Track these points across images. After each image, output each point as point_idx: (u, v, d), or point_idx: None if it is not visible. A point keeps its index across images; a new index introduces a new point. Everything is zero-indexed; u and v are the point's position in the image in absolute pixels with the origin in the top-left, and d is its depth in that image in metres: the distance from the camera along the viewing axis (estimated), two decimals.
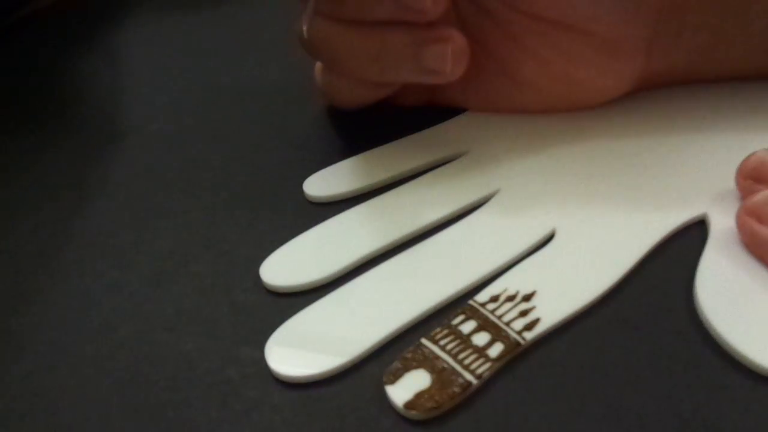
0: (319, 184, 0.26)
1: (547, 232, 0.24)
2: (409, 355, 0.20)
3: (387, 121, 0.29)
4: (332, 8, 0.25)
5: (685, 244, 0.23)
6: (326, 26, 0.26)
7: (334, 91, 0.29)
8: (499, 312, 0.21)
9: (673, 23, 0.25)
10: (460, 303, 0.22)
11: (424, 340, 0.21)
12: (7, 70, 0.36)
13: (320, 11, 0.26)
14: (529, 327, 0.21)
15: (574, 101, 0.28)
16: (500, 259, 0.23)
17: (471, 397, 0.20)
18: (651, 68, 0.27)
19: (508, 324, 0.21)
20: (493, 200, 0.25)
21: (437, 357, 0.20)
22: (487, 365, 0.20)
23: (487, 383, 0.20)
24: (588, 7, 0.25)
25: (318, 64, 0.29)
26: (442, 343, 0.21)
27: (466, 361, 0.20)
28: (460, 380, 0.20)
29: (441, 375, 0.20)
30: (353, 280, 0.23)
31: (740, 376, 0.19)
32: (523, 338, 0.21)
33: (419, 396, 0.19)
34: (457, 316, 0.21)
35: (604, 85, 0.27)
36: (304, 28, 0.26)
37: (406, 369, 0.20)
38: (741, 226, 0.22)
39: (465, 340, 0.21)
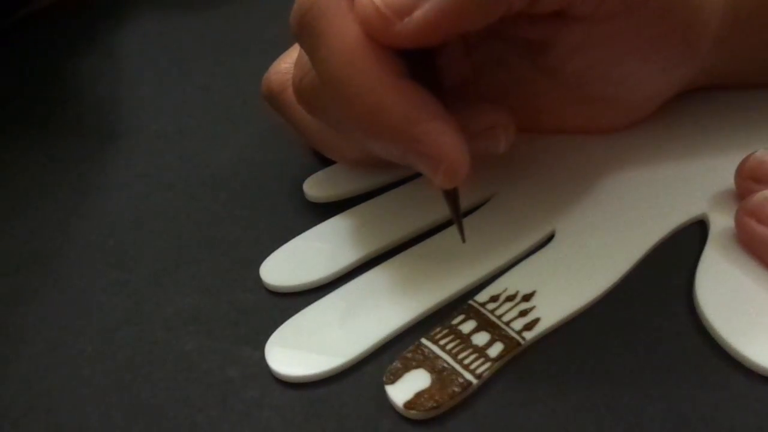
0: (319, 185, 0.26)
1: (546, 232, 0.24)
2: (409, 355, 0.20)
3: None
4: (334, 127, 0.22)
5: (685, 244, 0.23)
6: (309, 116, 0.23)
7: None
8: (498, 312, 0.21)
9: (692, 80, 0.26)
10: (460, 303, 0.22)
11: (424, 340, 0.21)
12: (7, 70, 0.36)
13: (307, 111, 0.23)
14: (528, 327, 0.21)
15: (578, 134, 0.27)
16: (500, 260, 0.23)
17: (471, 396, 0.20)
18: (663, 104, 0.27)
19: (507, 324, 0.21)
20: (492, 201, 0.25)
21: (437, 357, 0.20)
22: (487, 365, 0.20)
23: (487, 383, 0.20)
24: (635, 92, 0.24)
25: None
26: (442, 342, 0.21)
27: (466, 361, 0.20)
28: (460, 380, 0.20)
29: (441, 375, 0.20)
30: (353, 280, 0.23)
31: (739, 376, 0.19)
32: (523, 338, 0.21)
33: (419, 396, 0.19)
34: (456, 316, 0.21)
35: (618, 129, 0.27)
36: (277, 94, 0.25)
37: (406, 369, 0.20)
38: (740, 226, 0.22)
39: (465, 340, 0.21)
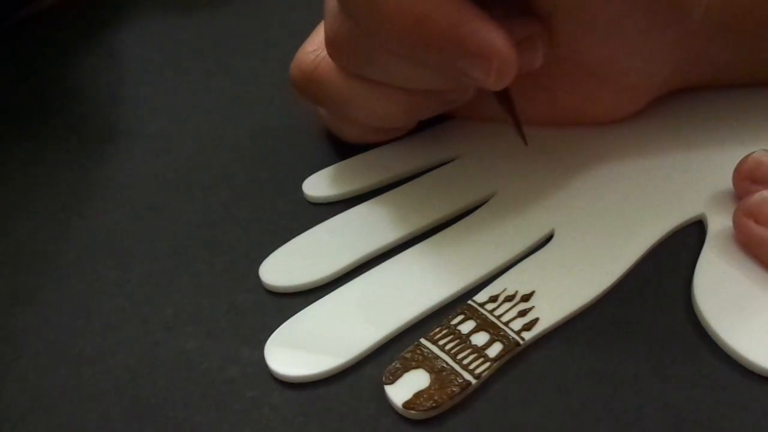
0: (318, 185, 0.27)
1: (545, 232, 0.24)
2: (408, 355, 0.20)
3: None
4: (376, 73, 0.23)
5: (683, 244, 0.23)
6: (346, 82, 0.24)
7: (340, 132, 0.28)
8: (498, 312, 0.21)
9: (687, 66, 0.26)
10: (459, 303, 0.22)
11: (423, 340, 0.21)
12: (7, 70, 0.36)
13: (345, 67, 0.24)
14: (527, 327, 0.21)
15: (577, 124, 0.27)
16: (499, 260, 0.23)
17: (470, 396, 0.20)
18: (659, 95, 0.27)
19: (506, 324, 0.21)
20: (492, 201, 0.25)
21: (436, 357, 0.20)
22: (486, 365, 0.20)
23: (486, 383, 0.20)
24: (625, 61, 0.24)
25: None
26: (441, 343, 0.21)
27: (465, 361, 0.20)
28: (459, 380, 0.20)
29: (440, 375, 0.20)
30: (353, 280, 0.23)
31: (738, 376, 0.20)
32: (522, 338, 0.21)
33: (418, 396, 0.19)
34: (456, 316, 0.21)
35: (613, 118, 0.27)
36: (310, 73, 0.25)
37: (406, 369, 0.20)
38: (738, 226, 0.22)
39: (464, 340, 0.21)
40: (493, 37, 0.19)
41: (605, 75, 0.25)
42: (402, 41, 0.20)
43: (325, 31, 0.23)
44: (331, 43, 0.23)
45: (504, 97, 0.23)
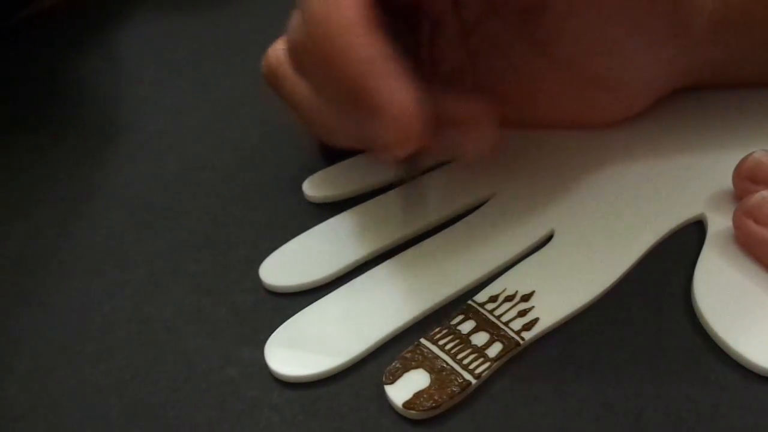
0: (318, 184, 0.27)
1: (545, 232, 0.24)
2: (408, 355, 0.20)
3: None
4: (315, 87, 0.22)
5: (683, 244, 0.23)
6: (302, 85, 0.23)
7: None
8: (497, 312, 0.21)
9: (688, 69, 0.26)
10: (460, 303, 0.22)
11: (423, 340, 0.21)
12: (8, 70, 0.37)
13: (297, 72, 0.23)
14: (527, 327, 0.21)
15: (576, 128, 0.27)
16: (499, 260, 0.23)
17: (470, 396, 0.20)
18: (659, 97, 0.27)
19: (506, 324, 0.21)
20: (492, 201, 0.25)
21: (436, 357, 0.20)
22: (486, 365, 0.20)
23: (486, 383, 0.20)
24: (626, 74, 0.24)
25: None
26: (441, 343, 0.21)
27: (465, 361, 0.20)
28: (459, 380, 0.20)
29: (440, 375, 0.20)
30: (353, 280, 0.23)
31: (738, 376, 0.20)
32: (522, 338, 0.21)
33: (418, 395, 0.19)
34: (456, 316, 0.21)
35: (613, 122, 0.27)
36: (275, 69, 0.25)
37: (406, 369, 0.20)
38: (738, 226, 0.22)
39: (464, 340, 0.21)
40: (399, 97, 0.18)
41: (606, 85, 0.25)
42: (320, 67, 0.20)
43: (288, 32, 0.23)
44: (288, 46, 0.23)
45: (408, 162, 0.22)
